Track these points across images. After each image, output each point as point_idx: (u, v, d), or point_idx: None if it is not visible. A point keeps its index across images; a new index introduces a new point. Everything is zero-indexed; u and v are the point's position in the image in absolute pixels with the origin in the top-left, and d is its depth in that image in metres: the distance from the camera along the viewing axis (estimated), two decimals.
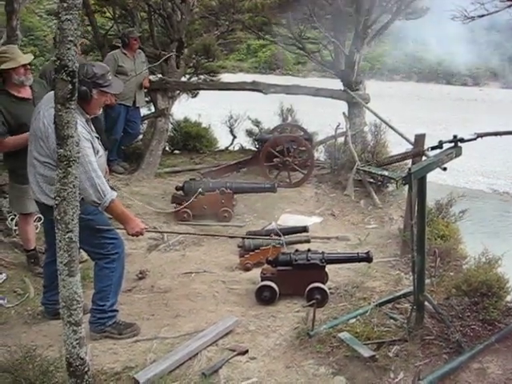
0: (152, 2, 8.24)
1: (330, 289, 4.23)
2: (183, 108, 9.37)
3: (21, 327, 3.85)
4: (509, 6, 3.62)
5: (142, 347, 3.56)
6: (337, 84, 8.67)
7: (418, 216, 3.42)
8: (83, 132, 3.22)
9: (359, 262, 4.51)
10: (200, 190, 6.04)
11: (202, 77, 9.24)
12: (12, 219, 5.15)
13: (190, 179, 6.54)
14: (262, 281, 4.24)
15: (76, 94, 2.28)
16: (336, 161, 7.51)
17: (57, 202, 2.34)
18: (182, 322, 3.92)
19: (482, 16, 3.70)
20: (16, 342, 3.45)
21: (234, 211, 6.23)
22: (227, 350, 3.50)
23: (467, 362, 3.22)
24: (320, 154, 8.41)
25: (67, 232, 2.36)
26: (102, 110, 3.69)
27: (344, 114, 8.18)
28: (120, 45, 7.43)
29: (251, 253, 4.92)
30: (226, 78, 9.99)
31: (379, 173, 3.83)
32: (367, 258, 4.42)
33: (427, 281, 3.74)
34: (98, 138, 3.51)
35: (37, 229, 4.90)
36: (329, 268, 4.37)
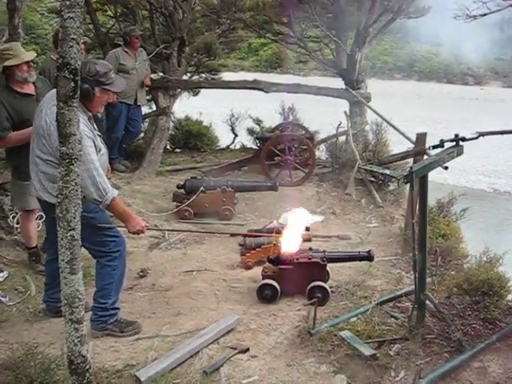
0: (153, 0, 8.25)
1: (331, 287, 4.23)
2: (184, 106, 9.38)
3: (22, 325, 3.85)
4: (511, 5, 3.61)
5: (143, 345, 3.56)
6: (338, 83, 8.68)
7: (419, 215, 3.42)
8: (85, 130, 3.22)
9: (360, 260, 4.51)
10: (201, 188, 6.04)
11: (203, 75, 9.26)
12: (13, 217, 5.15)
13: (192, 177, 6.53)
14: (263, 279, 4.24)
15: (78, 92, 2.28)
16: (337, 159, 7.50)
17: (59, 200, 2.35)
18: (184, 320, 3.92)
19: (485, 15, 3.70)
20: (17, 340, 3.47)
21: (236, 210, 6.23)
22: (228, 348, 3.50)
23: (468, 361, 3.22)
24: (321, 153, 8.40)
25: (69, 230, 2.37)
26: (103, 108, 3.70)
27: (345, 112, 8.18)
28: (122, 43, 7.44)
29: (252, 251, 4.92)
30: (226, 76, 10.01)
31: (381, 171, 3.84)
32: (368, 257, 4.42)
33: (428, 279, 3.74)
34: (100, 136, 3.52)
35: (38, 227, 4.91)
36: (330, 267, 4.37)
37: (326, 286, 4.16)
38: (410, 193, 4.26)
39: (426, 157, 4.60)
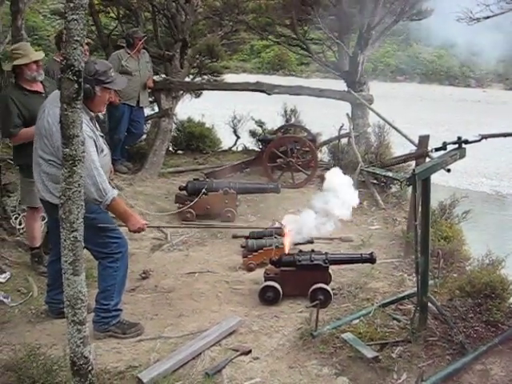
0: (156, 3, 8.27)
1: (333, 289, 4.23)
2: (187, 108, 9.39)
3: (25, 326, 3.86)
4: None
5: (145, 346, 3.56)
6: (340, 85, 8.68)
7: (421, 217, 3.42)
8: (87, 130, 3.22)
9: (362, 262, 4.50)
10: (203, 190, 6.05)
11: (205, 77, 9.27)
12: (16, 218, 5.16)
13: (194, 179, 6.54)
14: (265, 281, 4.24)
15: (82, 94, 2.29)
16: (339, 162, 7.50)
17: (62, 201, 2.35)
18: (186, 321, 3.92)
19: (488, 18, 3.70)
20: (20, 341, 3.48)
21: (238, 211, 6.23)
22: (230, 350, 3.50)
23: (470, 364, 3.22)
24: (323, 155, 8.41)
25: (72, 231, 2.37)
26: (105, 110, 3.71)
27: (347, 114, 8.19)
28: (124, 45, 7.45)
29: (254, 253, 4.92)
30: (229, 78, 10.02)
31: (383, 174, 3.84)
32: (371, 259, 4.41)
33: (431, 282, 3.74)
34: (102, 136, 3.52)
35: (41, 227, 4.91)
36: (332, 269, 4.37)
37: (328, 288, 4.16)
38: (412, 195, 4.27)
39: (428, 159, 4.60)
